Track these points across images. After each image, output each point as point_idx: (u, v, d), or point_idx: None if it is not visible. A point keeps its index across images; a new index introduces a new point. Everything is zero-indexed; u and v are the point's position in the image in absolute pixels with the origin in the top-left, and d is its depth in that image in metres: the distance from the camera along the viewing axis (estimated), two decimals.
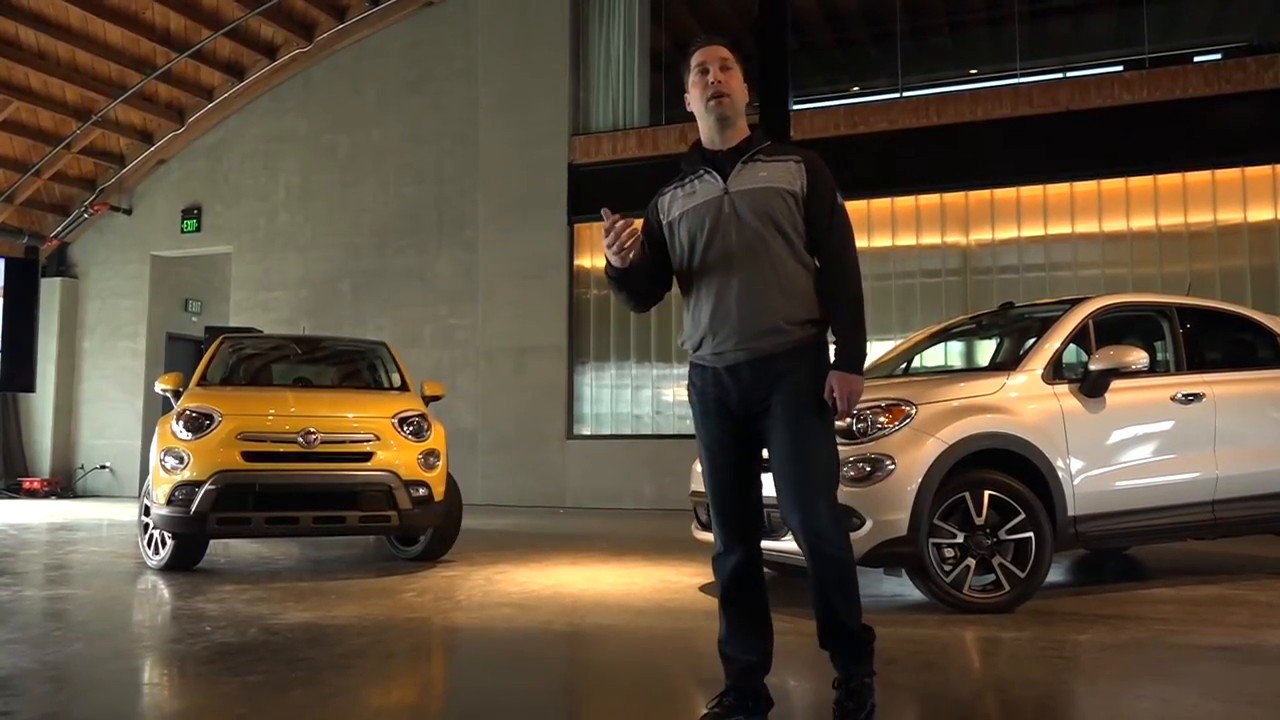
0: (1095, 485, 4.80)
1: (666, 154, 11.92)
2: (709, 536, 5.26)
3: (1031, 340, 5.16)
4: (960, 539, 4.48)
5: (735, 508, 2.77)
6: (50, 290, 14.97)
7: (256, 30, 13.69)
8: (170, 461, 5.79)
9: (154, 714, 3.11)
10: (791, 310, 2.70)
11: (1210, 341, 5.72)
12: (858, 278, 2.78)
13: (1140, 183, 10.45)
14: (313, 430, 5.92)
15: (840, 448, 3.12)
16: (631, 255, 2.72)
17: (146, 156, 14.83)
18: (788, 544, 4.18)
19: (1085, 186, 10.63)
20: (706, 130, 2.84)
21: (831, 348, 2.76)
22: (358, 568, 6.37)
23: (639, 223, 2.84)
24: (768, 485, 2.75)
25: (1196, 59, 11.22)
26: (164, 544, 6.04)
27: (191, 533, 5.84)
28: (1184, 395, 5.16)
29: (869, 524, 4.35)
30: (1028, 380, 4.84)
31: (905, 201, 11.23)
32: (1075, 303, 5.32)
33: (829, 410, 2.69)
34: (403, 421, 6.22)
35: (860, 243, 3.22)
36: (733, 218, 2.73)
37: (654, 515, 10.47)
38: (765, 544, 4.82)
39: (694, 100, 2.84)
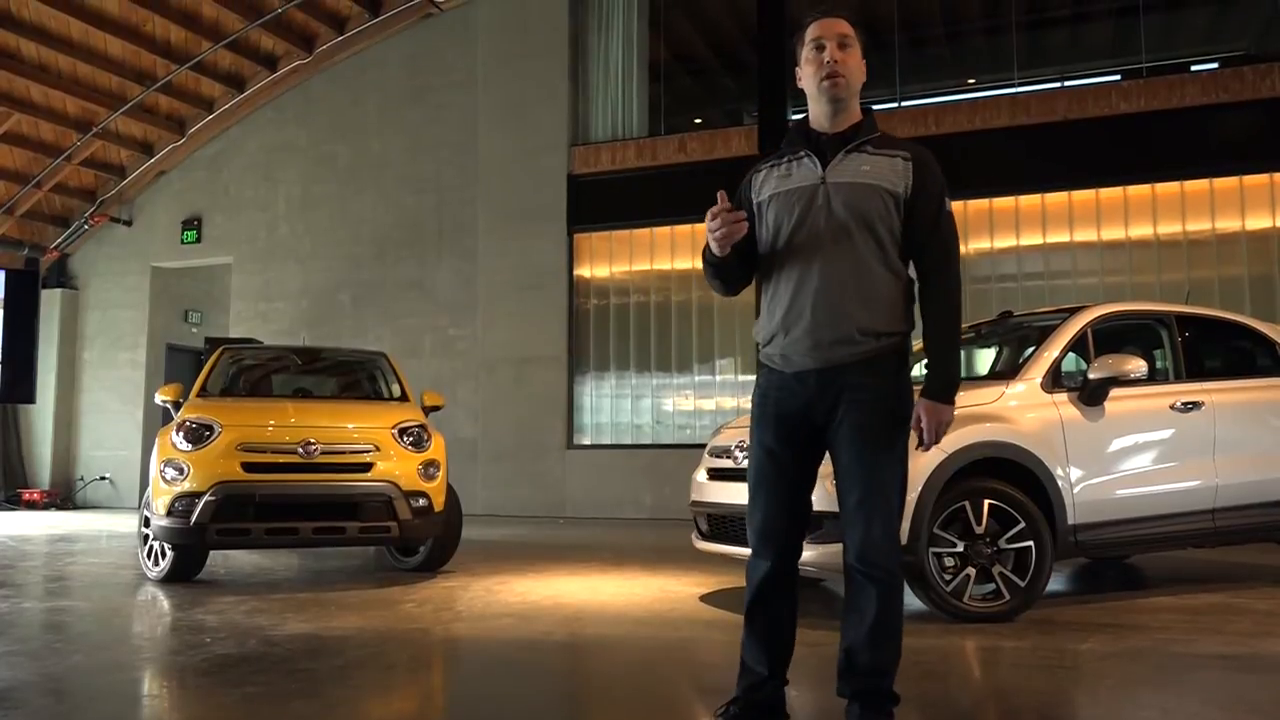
0: (1095, 494, 4.80)
1: (665, 164, 11.97)
2: (710, 546, 5.30)
3: (1030, 349, 5.18)
4: (960, 548, 4.48)
5: (774, 522, 2.62)
6: (50, 302, 14.99)
7: (256, 42, 13.75)
8: (170, 472, 5.79)
9: None
10: (869, 319, 2.51)
11: (1209, 350, 5.73)
12: (958, 294, 2.58)
13: (1138, 191, 10.48)
14: (312, 441, 5.92)
15: None
16: (732, 244, 2.54)
17: (147, 168, 14.87)
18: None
19: (1083, 195, 10.65)
20: (816, 112, 2.64)
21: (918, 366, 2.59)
22: (357, 578, 6.36)
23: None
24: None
25: (1194, 68, 11.26)
26: (164, 555, 6.03)
27: (191, 544, 5.83)
28: (1183, 404, 5.16)
29: None
30: (1027, 389, 4.85)
31: None
32: (1074, 311, 5.33)
33: (901, 431, 2.51)
34: (403, 432, 6.22)
35: None
36: (824, 210, 2.55)
37: (654, 525, 10.46)
38: None
39: (806, 78, 2.63)
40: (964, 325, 6.79)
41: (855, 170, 2.56)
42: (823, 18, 2.63)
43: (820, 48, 2.61)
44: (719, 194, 2.56)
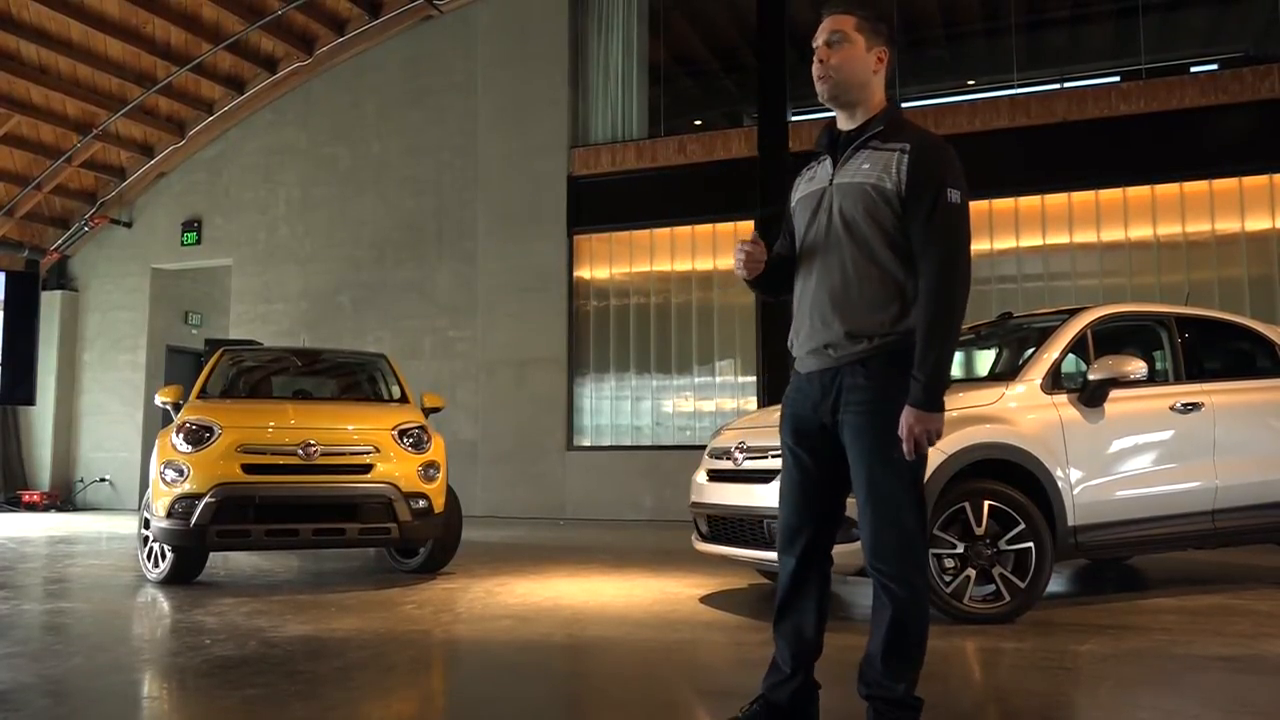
0: (1095, 495, 4.80)
1: (665, 165, 11.97)
2: (709, 548, 5.29)
3: (1030, 350, 5.18)
4: (960, 549, 4.48)
5: (795, 521, 2.64)
6: (50, 303, 14.99)
7: (257, 44, 13.75)
8: (170, 474, 5.79)
9: None
10: (857, 321, 2.49)
11: (1209, 351, 5.73)
12: (952, 294, 2.42)
13: (1138, 193, 10.48)
14: (312, 442, 5.92)
15: None
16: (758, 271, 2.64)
17: (147, 170, 14.87)
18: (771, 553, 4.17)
19: (1083, 197, 10.66)
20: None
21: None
22: (357, 580, 6.36)
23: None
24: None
25: (1193, 70, 11.26)
26: (164, 557, 6.03)
27: (191, 545, 5.83)
28: (1183, 405, 5.16)
29: None
30: (1027, 390, 4.85)
31: None
32: (1074, 313, 5.33)
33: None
34: (402, 433, 6.22)
35: None
36: (827, 213, 2.56)
37: (654, 527, 10.46)
38: (760, 554, 4.83)
39: None
40: (963, 326, 6.81)
41: (855, 170, 2.54)
42: (825, 17, 2.60)
43: (815, 49, 2.60)
44: (752, 229, 2.62)
